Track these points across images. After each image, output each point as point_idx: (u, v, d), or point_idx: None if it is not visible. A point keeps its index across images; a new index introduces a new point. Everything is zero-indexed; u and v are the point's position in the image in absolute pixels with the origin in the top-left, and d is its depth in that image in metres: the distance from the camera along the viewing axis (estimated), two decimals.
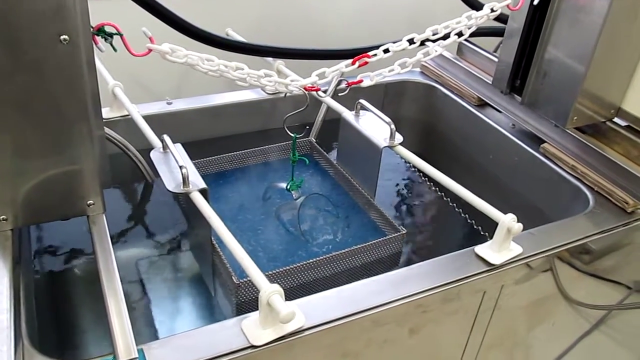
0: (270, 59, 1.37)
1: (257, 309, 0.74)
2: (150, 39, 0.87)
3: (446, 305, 0.88)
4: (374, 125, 1.12)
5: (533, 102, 1.20)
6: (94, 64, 0.77)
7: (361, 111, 1.16)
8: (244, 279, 0.89)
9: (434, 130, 1.52)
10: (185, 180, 0.89)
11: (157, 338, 1.06)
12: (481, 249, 0.90)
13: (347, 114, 1.16)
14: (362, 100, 1.13)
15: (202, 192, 0.90)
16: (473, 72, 1.42)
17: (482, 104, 1.37)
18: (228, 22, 1.54)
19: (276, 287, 0.71)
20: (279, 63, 1.36)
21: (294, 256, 1.01)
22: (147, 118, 1.26)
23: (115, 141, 1.12)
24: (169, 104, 1.30)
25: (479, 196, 0.95)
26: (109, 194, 1.30)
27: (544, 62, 1.15)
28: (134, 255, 1.19)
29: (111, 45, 0.83)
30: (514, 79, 1.24)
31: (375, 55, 1.03)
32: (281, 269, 0.91)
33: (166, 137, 0.97)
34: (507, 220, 0.87)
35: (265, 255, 1.01)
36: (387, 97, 1.51)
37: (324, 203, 1.11)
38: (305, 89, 0.99)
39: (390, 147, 1.07)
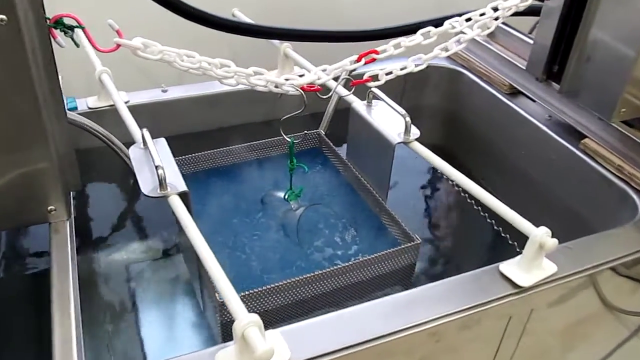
0: (277, 41, 1.24)
1: None
2: (117, 32, 0.75)
3: (464, 332, 0.75)
4: (387, 117, 0.98)
5: (573, 91, 1.04)
6: (48, 49, 0.65)
7: (374, 100, 1.02)
8: None
9: (459, 120, 1.37)
10: (162, 182, 0.77)
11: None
12: (507, 267, 0.76)
13: (358, 104, 1.03)
14: (374, 89, 0.99)
15: (183, 195, 0.79)
16: (505, 56, 1.26)
17: (514, 92, 1.22)
18: (235, 1, 1.42)
19: (253, 318, 0.59)
20: (286, 46, 1.22)
21: (292, 267, 0.89)
22: (138, 107, 1.16)
23: (98, 134, 1.01)
24: (164, 91, 1.19)
25: (508, 198, 0.82)
26: (93, 192, 1.21)
27: (587, 45, 0.99)
28: (120, 259, 1.09)
29: (72, 39, 0.73)
30: (551, 64, 1.08)
31: (385, 51, 0.90)
32: (270, 286, 0.79)
33: (145, 132, 0.85)
34: (540, 235, 0.73)
35: (259, 265, 0.89)
36: (407, 83, 1.36)
37: (327, 211, 0.98)
38: (302, 89, 0.86)
39: (405, 143, 0.94)
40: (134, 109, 1.14)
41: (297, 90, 0.86)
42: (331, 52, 1.09)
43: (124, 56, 1.17)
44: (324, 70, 0.88)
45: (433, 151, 1.44)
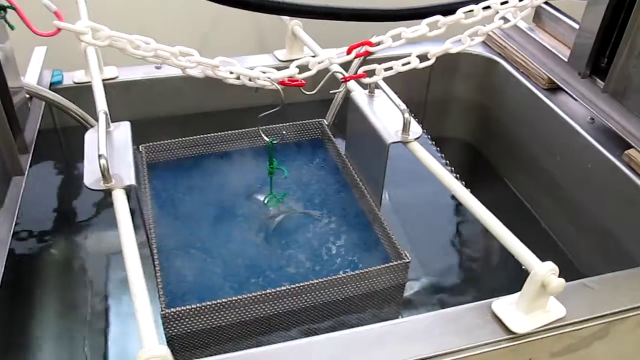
0: (287, 18, 1.12)
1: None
2: (55, 13, 0.65)
3: None
4: (388, 111, 0.85)
5: (620, 91, 0.87)
6: None
7: (377, 90, 0.89)
8: (173, 309, 0.68)
9: (490, 115, 1.21)
10: (104, 174, 0.68)
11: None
12: (501, 307, 0.62)
13: (358, 94, 0.89)
14: (375, 77, 0.85)
15: (129, 190, 0.69)
16: (548, 45, 1.08)
17: (553, 88, 1.05)
18: None
19: (158, 352, 0.49)
20: (295, 24, 1.10)
21: (259, 278, 0.78)
22: (128, 84, 1.08)
23: (71, 112, 0.93)
24: (158, 68, 1.09)
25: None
26: (71, 175, 1.14)
27: (639, 37, 0.81)
28: (97, 249, 1.02)
29: (5, 20, 0.64)
30: (597, 56, 0.91)
31: (381, 43, 0.76)
32: (220, 301, 0.68)
33: (101, 114, 0.76)
34: (542, 273, 0.59)
35: (224, 271, 0.79)
36: (435, 70, 1.21)
37: (310, 219, 0.86)
38: (282, 83, 0.74)
39: (404, 142, 0.80)
40: (123, 86, 1.07)
41: (274, 84, 0.74)
42: (358, 34, 0.95)
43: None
44: (305, 64, 0.75)
45: (459, 147, 1.30)
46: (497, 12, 0.79)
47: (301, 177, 0.96)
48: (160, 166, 0.95)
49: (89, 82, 1.04)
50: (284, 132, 1.00)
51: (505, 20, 0.78)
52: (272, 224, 0.84)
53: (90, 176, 0.70)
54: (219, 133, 1.00)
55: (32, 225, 1.00)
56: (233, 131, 1.01)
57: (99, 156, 0.68)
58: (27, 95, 0.89)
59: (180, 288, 0.76)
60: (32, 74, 0.95)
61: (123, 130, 0.78)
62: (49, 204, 1.06)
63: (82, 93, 1.02)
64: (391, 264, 0.75)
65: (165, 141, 0.96)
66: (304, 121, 1.03)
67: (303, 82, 0.78)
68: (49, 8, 0.66)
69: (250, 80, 0.75)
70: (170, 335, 0.70)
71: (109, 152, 0.73)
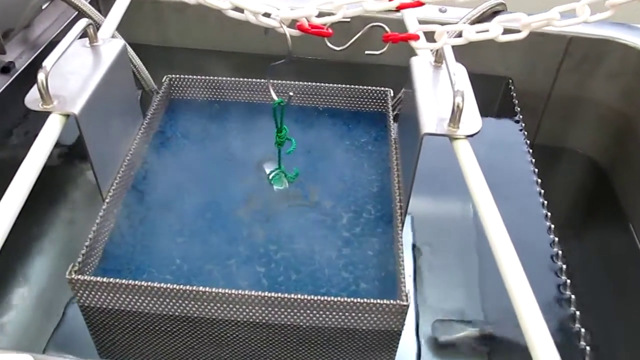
0: None
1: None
2: None
3: None
4: (448, 89, 0.61)
5: None
6: None
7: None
8: (83, 278, 0.54)
9: (633, 133, 0.88)
10: (41, 92, 0.55)
11: None
12: None
13: (418, 61, 0.66)
14: (447, 45, 0.61)
15: (69, 118, 0.55)
16: None
17: None
18: None
19: None
20: None
21: (219, 266, 0.61)
22: (184, 6, 0.94)
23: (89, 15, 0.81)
24: None
25: None
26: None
27: None
28: None
29: None
30: None
31: None
32: (138, 284, 0.53)
33: (82, 21, 0.62)
34: None
35: (182, 246, 0.63)
36: (568, 57, 0.90)
37: (318, 216, 0.66)
38: (301, 28, 0.55)
39: (450, 137, 0.56)
40: (179, 6, 0.94)
41: (282, 27, 0.55)
42: None
43: None
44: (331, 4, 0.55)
45: (580, 163, 0.99)
46: None
47: (336, 155, 0.76)
48: (178, 103, 0.81)
49: None
50: (291, 94, 0.79)
51: None
52: (269, 209, 0.66)
53: (35, 92, 0.57)
54: (260, 80, 0.82)
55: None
56: (279, 81, 0.83)
57: (41, 68, 0.54)
58: None
59: (125, 248, 0.62)
60: None
61: (111, 49, 0.65)
62: None
63: (131, 7, 0.90)
64: (380, 301, 0.53)
65: (193, 77, 0.81)
66: (364, 87, 0.81)
67: (329, 31, 0.57)
68: None
69: (257, 18, 0.57)
70: (82, 306, 0.56)
71: (73, 69, 0.60)
